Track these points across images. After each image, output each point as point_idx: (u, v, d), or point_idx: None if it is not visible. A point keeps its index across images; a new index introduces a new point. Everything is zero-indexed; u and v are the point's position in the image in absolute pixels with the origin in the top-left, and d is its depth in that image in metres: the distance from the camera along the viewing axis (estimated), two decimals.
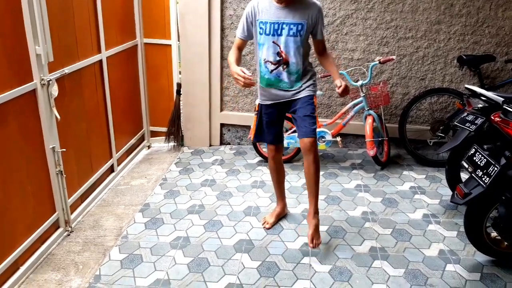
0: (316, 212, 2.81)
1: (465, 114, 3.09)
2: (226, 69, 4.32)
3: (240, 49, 2.80)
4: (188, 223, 3.13)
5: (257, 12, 2.63)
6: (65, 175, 2.90)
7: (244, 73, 2.44)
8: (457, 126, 3.10)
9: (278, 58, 2.65)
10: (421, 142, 4.22)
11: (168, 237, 2.96)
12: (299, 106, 2.73)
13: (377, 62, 3.78)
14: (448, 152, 3.36)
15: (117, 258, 2.75)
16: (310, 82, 2.76)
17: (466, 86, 3.09)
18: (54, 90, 2.72)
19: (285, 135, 3.85)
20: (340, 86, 2.62)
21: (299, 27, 2.59)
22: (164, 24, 4.19)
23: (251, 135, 4.09)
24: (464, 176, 3.35)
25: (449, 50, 4.09)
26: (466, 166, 2.68)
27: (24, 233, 2.61)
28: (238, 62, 2.77)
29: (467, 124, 2.98)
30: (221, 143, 4.59)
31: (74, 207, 3.15)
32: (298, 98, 2.74)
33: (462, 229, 2.98)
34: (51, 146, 2.76)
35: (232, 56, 2.73)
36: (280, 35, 2.60)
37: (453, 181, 3.34)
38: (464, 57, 3.88)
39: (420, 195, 3.54)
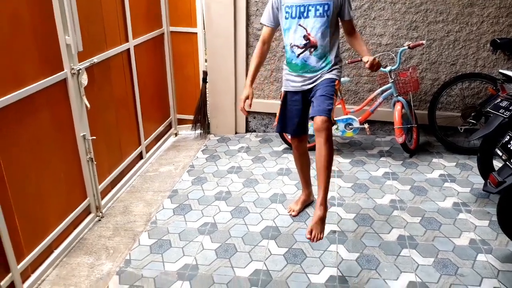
0: (322, 203, 2.43)
1: (499, 100, 2.99)
2: (251, 56, 4.29)
3: (265, 42, 2.76)
4: (215, 210, 3.17)
5: None
6: (95, 162, 2.97)
7: (244, 104, 2.72)
8: (490, 113, 3.00)
9: (305, 42, 2.61)
10: (451, 129, 4.12)
11: (196, 223, 3.01)
12: (318, 88, 2.65)
13: (406, 47, 3.68)
14: (480, 140, 3.26)
15: (146, 243, 2.81)
16: (336, 66, 2.69)
17: (500, 71, 2.99)
18: (84, 79, 2.77)
19: (310, 122, 3.82)
20: (367, 61, 2.54)
21: (326, 7, 2.54)
22: (190, 12, 4.19)
23: (276, 123, 4.07)
24: (497, 164, 3.26)
25: (482, 34, 3.94)
26: (500, 153, 2.60)
27: (57, 218, 2.69)
28: (258, 68, 2.80)
29: (501, 111, 2.89)
30: (247, 130, 4.60)
31: (104, 193, 3.22)
32: (320, 81, 2.66)
33: (494, 218, 2.90)
34: (81, 134, 2.82)
35: (253, 60, 2.79)
36: (307, 17, 2.56)
37: (485, 169, 3.25)
38: (498, 41, 3.74)
39: (450, 183, 3.46)
